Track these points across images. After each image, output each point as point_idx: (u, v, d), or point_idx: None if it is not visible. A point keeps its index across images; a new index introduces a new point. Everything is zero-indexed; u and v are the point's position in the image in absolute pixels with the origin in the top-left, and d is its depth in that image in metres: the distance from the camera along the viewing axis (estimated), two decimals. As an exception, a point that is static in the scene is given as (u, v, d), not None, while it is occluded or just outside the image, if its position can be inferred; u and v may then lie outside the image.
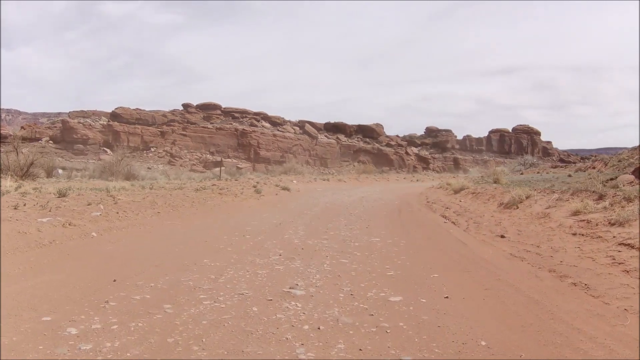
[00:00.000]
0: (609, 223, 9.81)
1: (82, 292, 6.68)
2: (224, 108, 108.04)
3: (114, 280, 7.31)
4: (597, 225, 10.06)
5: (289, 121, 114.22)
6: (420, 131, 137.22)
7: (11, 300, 6.15)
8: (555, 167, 50.39)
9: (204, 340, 5.07)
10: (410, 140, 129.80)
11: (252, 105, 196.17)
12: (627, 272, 7.30)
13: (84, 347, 4.83)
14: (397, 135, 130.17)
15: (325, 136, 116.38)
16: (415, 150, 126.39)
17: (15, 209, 12.19)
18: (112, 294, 6.64)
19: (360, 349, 4.93)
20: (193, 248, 10.36)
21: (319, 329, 5.46)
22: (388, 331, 5.42)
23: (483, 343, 5.10)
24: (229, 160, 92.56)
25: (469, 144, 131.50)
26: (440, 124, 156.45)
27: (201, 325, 5.50)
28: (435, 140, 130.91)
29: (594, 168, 25.69)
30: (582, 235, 9.90)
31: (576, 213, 11.50)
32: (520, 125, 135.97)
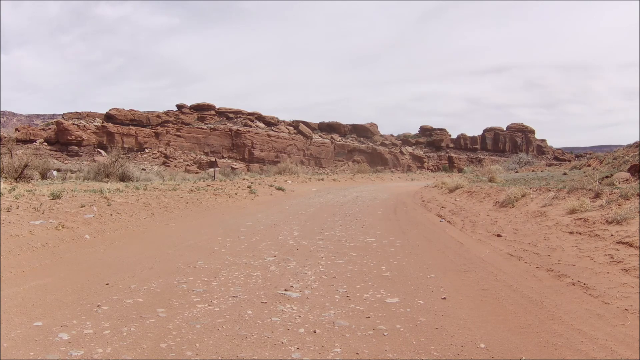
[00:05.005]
0: (607, 221, 9.77)
1: (75, 296, 6.57)
2: (218, 108, 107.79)
3: (107, 284, 7.21)
4: (594, 223, 10.02)
5: (283, 121, 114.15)
6: (413, 130, 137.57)
7: (2, 305, 6.04)
8: (550, 165, 50.52)
9: (197, 345, 4.97)
10: (405, 140, 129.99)
11: (246, 106, 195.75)
12: (626, 270, 7.24)
13: (75, 353, 4.72)
14: (392, 135, 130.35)
15: (320, 136, 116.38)
16: (409, 149, 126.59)
17: (8, 211, 12.04)
18: (105, 297, 6.53)
19: (357, 353, 4.84)
20: (187, 250, 10.26)
21: (314, 332, 5.38)
22: (385, 334, 5.34)
23: (482, 345, 5.02)
24: (224, 160, 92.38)
25: (464, 143, 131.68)
26: (434, 123, 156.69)
27: (195, 329, 5.40)
28: (430, 139, 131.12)
29: (589, 166, 25.70)
30: (580, 233, 9.85)
31: (573, 211, 11.45)
32: (515, 123, 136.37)
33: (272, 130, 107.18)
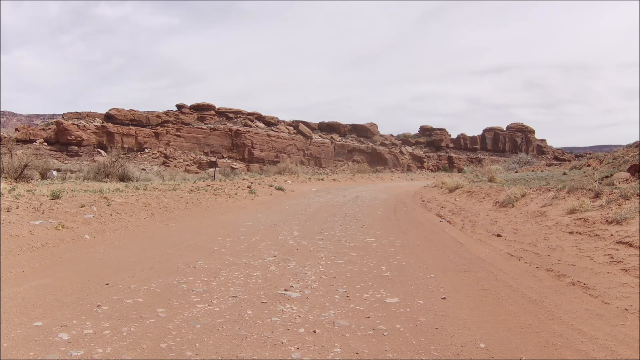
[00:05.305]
0: (607, 221, 9.77)
1: (74, 296, 6.57)
2: (218, 108, 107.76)
3: (107, 284, 7.21)
4: (594, 223, 10.02)
5: (283, 121, 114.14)
6: (413, 130, 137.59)
7: (2, 305, 6.04)
8: (550, 165, 50.49)
9: (197, 345, 4.97)
10: (405, 140, 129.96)
11: (246, 106, 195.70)
12: (626, 270, 7.24)
13: (75, 354, 4.72)
14: (392, 135, 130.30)
15: (320, 136, 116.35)
16: (409, 149, 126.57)
17: (8, 211, 12.04)
18: (105, 297, 6.53)
19: (357, 353, 4.84)
20: (187, 250, 10.26)
21: (314, 332, 5.38)
22: (385, 334, 5.34)
23: (482, 345, 5.02)
24: (223, 160, 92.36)
25: (463, 143, 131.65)
26: (434, 123, 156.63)
27: (195, 329, 5.40)
28: (430, 139, 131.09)
29: (589, 166, 25.68)
30: (579, 233, 9.85)
31: (573, 211, 11.45)
32: (515, 123, 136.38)
33: (272, 130, 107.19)
